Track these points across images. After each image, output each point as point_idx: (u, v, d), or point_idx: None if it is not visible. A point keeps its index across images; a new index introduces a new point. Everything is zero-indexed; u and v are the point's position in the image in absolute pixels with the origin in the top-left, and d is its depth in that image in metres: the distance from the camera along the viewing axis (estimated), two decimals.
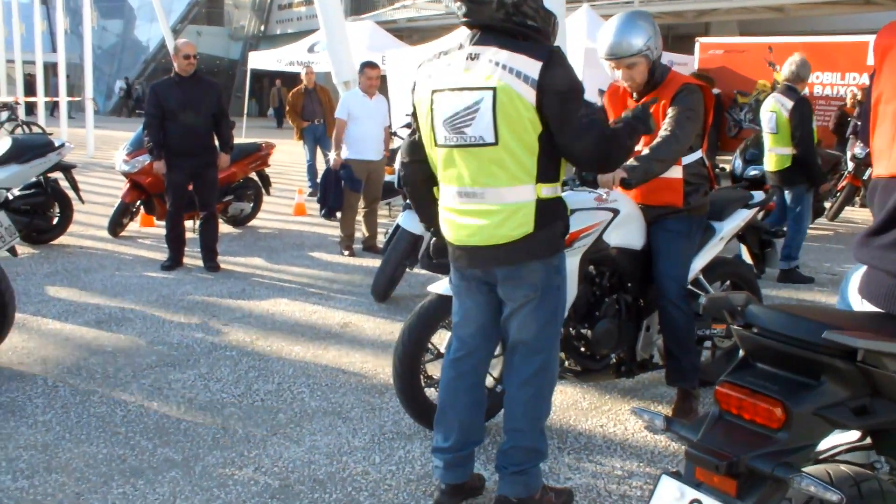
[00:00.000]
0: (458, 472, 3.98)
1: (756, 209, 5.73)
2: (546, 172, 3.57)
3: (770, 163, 8.84)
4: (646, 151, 4.52)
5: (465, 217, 3.68)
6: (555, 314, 3.79)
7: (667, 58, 17.33)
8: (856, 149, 12.65)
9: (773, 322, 2.40)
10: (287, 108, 14.53)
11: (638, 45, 4.58)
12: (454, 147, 3.61)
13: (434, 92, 3.66)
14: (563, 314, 3.91)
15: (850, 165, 12.79)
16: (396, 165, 7.72)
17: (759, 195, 5.78)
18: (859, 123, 12.47)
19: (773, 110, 8.61)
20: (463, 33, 3.72)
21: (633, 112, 3.88)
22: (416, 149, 3.90)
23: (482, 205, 3.60)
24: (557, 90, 3.41)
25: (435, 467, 4.02)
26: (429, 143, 3.76)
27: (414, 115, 3.89)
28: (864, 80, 14.93)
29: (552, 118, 3.45)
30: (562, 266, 3.78)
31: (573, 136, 3.48)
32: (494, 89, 3.44)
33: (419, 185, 3.98)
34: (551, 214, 3.62)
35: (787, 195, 8.88)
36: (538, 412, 3.86)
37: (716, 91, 16.17)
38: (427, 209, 4.04)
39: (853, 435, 2.62)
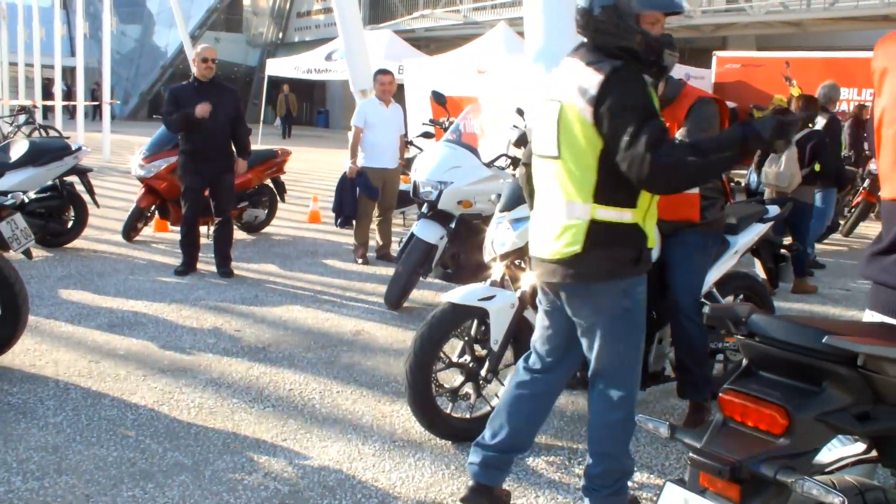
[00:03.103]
0: (492, 475, 3.97)
1: (771, 223, 5.72)
2: (608, 194, 3.46)
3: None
4: None
5: (537, 228, 3.75)
6: (627, 339, 3.72)
7: (683, 71, 17.37)
8: (871, 165, 12.61)
9: (775, 330, 2.42)
10: None
11: None
12: (540, 157, 3.69)
13: (540, 100, 3.72)
14: (640, 339, 3.81)
15: (866, 181, 12.75)
16: (412, 174, 7.73)
17: (773, 209, 5.76)
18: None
19: None
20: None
21: (739, 126, 3.42)
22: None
23: (546, 216, 3.64)
24: (610, 106, 3.34)
25: (470, 464, 4.00)
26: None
27: None
28: None
29: (606, 136, 3.38)
30: (632, 291, 3.67)
31: (619, 155, 3.35)
32: (560, 103, 3.47)
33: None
34: (610, 238, 3.51)
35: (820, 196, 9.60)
36: (626, 434, 3.84)
37: (732, 105, 16.16)
38: None
39: (859, 447, 2.63)
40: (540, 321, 3.96)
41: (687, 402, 5.20)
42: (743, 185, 11.68)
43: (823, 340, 2.25)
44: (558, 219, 3.56)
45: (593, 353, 3.73)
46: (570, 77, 3.48)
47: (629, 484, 3.96)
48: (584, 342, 3.77)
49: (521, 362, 4.06)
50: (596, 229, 3.49)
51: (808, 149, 8.87)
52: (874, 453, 2.60)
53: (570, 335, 3.83)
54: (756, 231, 5.56)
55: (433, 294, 8.27)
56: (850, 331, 2.38)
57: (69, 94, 32.57)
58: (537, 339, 3.97)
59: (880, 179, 2.60)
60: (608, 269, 3.57)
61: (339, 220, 10.05)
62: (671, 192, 3.51)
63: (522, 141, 6.51)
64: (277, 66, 28.22)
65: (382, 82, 9.77)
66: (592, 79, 3.38)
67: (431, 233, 7.40)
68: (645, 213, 3.57)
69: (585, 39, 3.61)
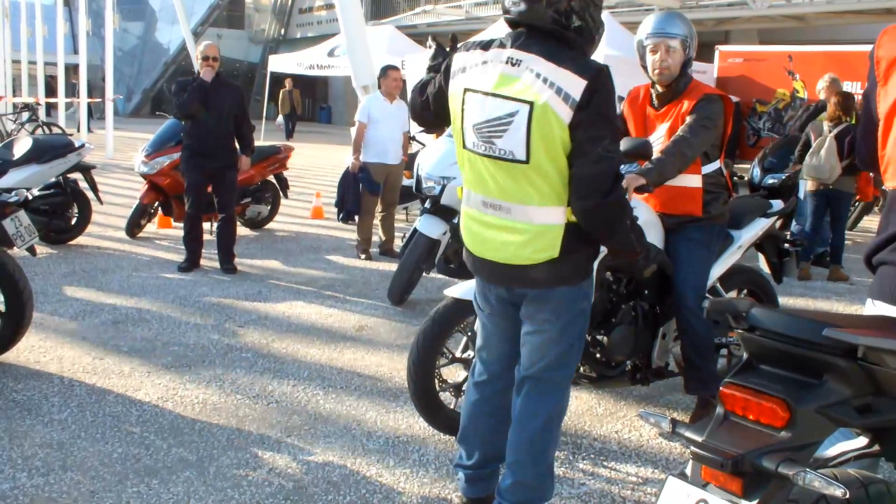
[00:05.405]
0: (481, 487, 3.92)
1: (775, 218, 5.71)
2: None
3: None
4: (658, 155, 4.52)
5: (490, 230, 3.49)
6: (577, 340, 3.63)
7: None
8: None
9: (775, 323, 2.42)
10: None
11: (682, 31, 4.72)
12: (482, 156, 3.40)
13: (466, 91, 3.42)
14: (583, 340, 3.76)
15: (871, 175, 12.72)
16: (415, 170, 7.74)
17: (777, 204, 5.75)
18: None
19: None
20: (501, 29, 3.56)
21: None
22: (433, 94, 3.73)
23: (509, 220, 3.41)
24: (590, 114, 3.19)
25: (457, 479, 4.01)
26: (457, 142, 3.55)
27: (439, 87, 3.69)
28: None
29: (577, 139, 3.22)
30: (589, 291, 3.62)
31: (585, 162, 3.24)
32: (532, 104, 3.21)
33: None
34: (580, 239, 3.41)
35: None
36: (545, 446, 3.68)
37: (735, 99, 16.12)
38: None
39: (861, 441, 2.63)
40: (482, 328, 3.86)
41: (691, 396, 5.20)
42: (746, 179, 11.69)
43: (823, 333, 2.26)
44: (527, 222, 3.38)
45: (537, 353, 3.60)
46: (540, 75, 3.23)
47: (631, 480, 3.95)
48: (530, 341, 3.62)
49: (469, 378, 3.98)
50: (571, 232, 3.38)
51: (847, 142, 9.10)
52: (876, 447, 2.61)
53: (516, 338, 3.70)
54: (760, 225, 5.55)
55: (436, 290, 8.26)
56: (849, 323, 2.38)
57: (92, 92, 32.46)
58: (482, 347, 3.87)
59: (889, 167, 2.56)
60: (575, 272, 3.49)
61: (341, 216, 10.06)
62: (587, 223, 3.38)
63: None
64: (280, 63, 28.21)
65: (395, 78, 9.79)
66: (574, 81, 3.18)
67: (434, 228, 7.40)
68: None
69: (519, 28, 3.38)
